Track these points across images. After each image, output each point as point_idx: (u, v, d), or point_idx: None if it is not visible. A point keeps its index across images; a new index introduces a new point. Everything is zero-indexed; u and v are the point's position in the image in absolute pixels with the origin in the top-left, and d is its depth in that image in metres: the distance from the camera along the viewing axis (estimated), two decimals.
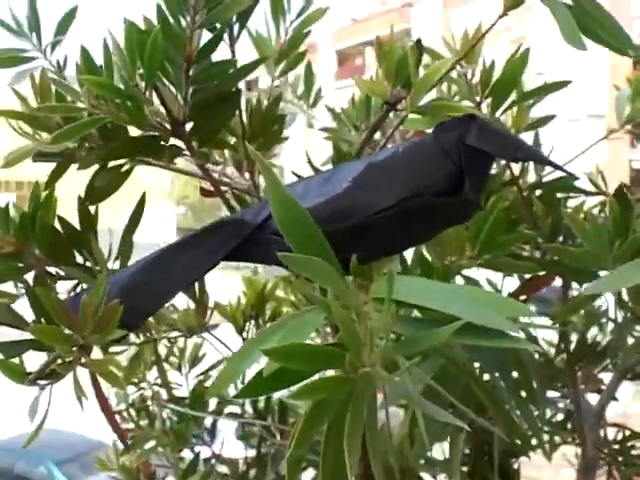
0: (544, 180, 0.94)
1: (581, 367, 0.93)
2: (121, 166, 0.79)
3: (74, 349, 0.57)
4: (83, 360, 0.57)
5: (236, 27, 0.71)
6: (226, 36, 0.71)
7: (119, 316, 0.55)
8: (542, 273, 0.80)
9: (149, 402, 1.17)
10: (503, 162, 0.96)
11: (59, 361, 0.58)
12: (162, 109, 0.65)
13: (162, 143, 0.68)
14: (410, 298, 0.43)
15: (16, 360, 0.58)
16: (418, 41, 0.76)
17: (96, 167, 0.78)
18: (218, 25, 0.64)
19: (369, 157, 0.56)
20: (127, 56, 0.58)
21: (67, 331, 0.56)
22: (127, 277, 0.59)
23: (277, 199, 0.47)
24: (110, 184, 0.81)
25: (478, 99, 0.79)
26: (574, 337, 0.96)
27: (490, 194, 0.94)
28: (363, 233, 0.53)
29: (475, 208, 0.55)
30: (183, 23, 0.60)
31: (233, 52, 0.71)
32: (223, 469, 1.19)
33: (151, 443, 1.19)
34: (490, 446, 1.19)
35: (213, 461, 1.20)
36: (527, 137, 0.93)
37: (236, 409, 1.17)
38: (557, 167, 0.54)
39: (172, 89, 0.64)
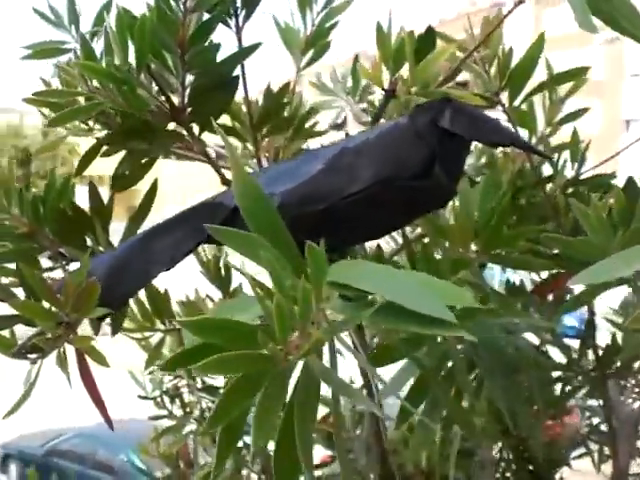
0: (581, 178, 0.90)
1: (613, 373, 0.88)
2: (143, 155, 0.81)
3: (60, 326, 0.58)
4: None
5: (242, 14, 0.72)
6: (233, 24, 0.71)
7: (97, 295, 0.56)
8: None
9: (183, 390, 1.19)
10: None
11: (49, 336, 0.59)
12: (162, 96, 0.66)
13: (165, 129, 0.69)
14: (346, 279, 0.41)
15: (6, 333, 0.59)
16: (428, 29, 0.74)
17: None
18: None
19: (346, 140, 0.55)
20: (118, 41, 0.59)
21: (52, 308, 0.57)
22: (112, 257, 0.61)
23: (240, 184, 0.47)
24: (133, 172, 0.83)
25: (497, 89, 0.76)
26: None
27: (521, 191, 0.91)
28: (333, 217, 0.52)
29: (449, 194, 0.53)
30: (176, 7, 0.61)
31: (239, 39, 0.72)
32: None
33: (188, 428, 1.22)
34: (530, 455, 1.15)
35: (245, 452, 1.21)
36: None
37: None
38: (535, 152, 0.52)
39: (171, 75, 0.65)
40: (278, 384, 0.37)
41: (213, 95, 0.66)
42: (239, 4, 0.71)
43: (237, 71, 0.69)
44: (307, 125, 0.90)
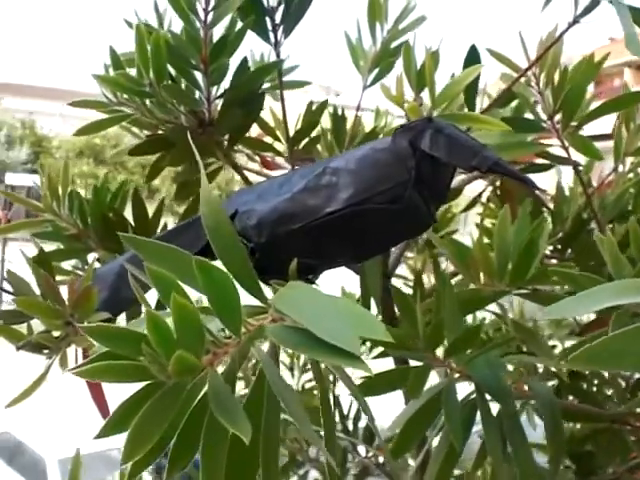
0: None
1: None
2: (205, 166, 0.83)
3: (66, 326, 0.61)
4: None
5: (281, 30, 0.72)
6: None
7: (94, 299, 0.58)
8: None
9: None
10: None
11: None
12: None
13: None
14: (275, 301, 0.40)
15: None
16: (472, 48, 0.71)
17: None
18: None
19: (330, 159, 0.53)
20: (138, 55, 0.61)
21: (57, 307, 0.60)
22: (120, 264, 0.62)
23: (206, 206, 0.46)
24: (191, 183, 0.85)
25: (550, 112, 0.71)
26: None
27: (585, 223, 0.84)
28: (308, 237, 0.50)
29: (427, 220, 0.50)
30: (197, 24, 0.62)
31: (278, 54, 0.72)
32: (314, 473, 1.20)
33: None
34: None
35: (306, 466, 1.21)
36: None
37: None
38: (521, 179, 0.47)
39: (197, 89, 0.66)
40: (166, 399, 0.36)
41: (238, 110, 0.67)
42: (278, 20, 0.71)
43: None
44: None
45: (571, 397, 0.73)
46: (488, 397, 0.56)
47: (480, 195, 1.10)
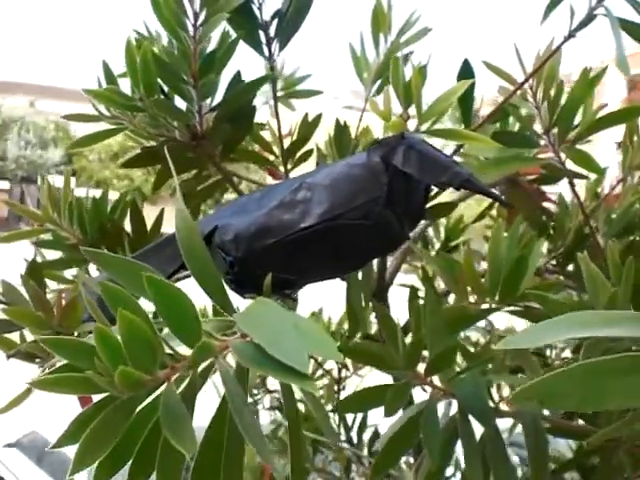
0: None
1: None
2: (202, 176, 0.83)
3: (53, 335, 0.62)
4: None
5: (276, 43, 0.72)
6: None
7: (81, 310, 0.59)
8: None
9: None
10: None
11: None
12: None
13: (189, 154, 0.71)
14: (238, 318, 0.40)
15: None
16: (465, 62, 0.70)
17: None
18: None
19: (308, 173, 0.53)
20: (128, 71, 0.62)
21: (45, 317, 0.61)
22: (104, 277, 0.63)
23: (180, 225, 0.47)
24: (202, 191, 0.85)
25: (547, 127, 0.70)
26: None
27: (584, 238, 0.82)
28: (283, 252, 0.50)
29: (399, 237, 0.49)
30: (186, 38, 0.62)
31: (272, 68, 0.72)
32: None
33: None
34: None
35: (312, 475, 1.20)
36: None
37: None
38: (492, 196, 0.47)
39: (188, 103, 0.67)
40: (118, 413, 0.36)
41: (229, 124, 0.67)
42: (272, 34, 0.71)
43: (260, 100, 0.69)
44: None
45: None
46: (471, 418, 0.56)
47: (491, 206, 1.09)
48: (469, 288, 0.64)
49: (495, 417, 0.56)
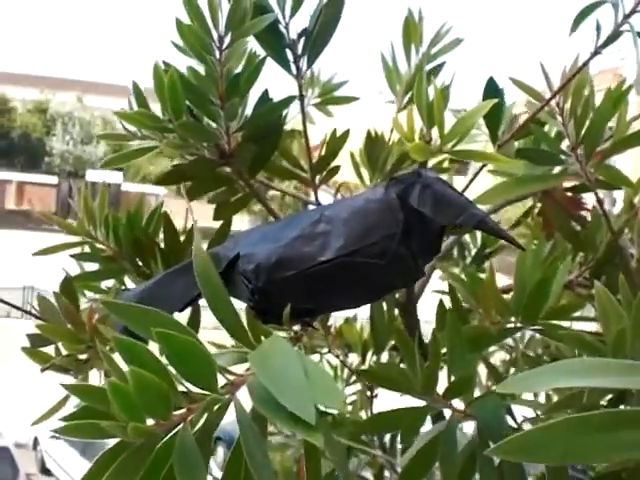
0: None
1: None
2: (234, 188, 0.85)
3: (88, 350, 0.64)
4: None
5: (305, 61, 0.73)
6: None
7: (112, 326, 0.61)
8: None
9: None
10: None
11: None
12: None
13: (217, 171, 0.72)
14: (250, 358, 0.42)
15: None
16: (490, 80, 0.70)
17: None
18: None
19: (326, 206, 0.54)
20: (156, 94, 0.63)
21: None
22: (142, 290, 0.65)
23: (197, 260, 0.48)
24: (233, 203, 0.87)
25: (574, 144, 0.69)
26: None
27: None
28: (302, 284, 0.52)
29: (415, 273, 0.50)
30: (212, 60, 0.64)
31: (300, 86, 0.73)
32: None
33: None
34: None
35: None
36: None
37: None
38: (505, 238, 0.47)
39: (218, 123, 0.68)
40: (135, 457, 0.38)
41: (255, 143, 0.68)
42: (300, 52, 0.72)
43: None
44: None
45: None
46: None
47: (527, 214, 1.08)
48: (492, 307, 0.64)
49: None
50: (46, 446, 7.07)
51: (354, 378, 1.29)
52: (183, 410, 0.40)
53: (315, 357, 1.23)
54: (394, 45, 0.92)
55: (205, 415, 0.42)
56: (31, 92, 28.32)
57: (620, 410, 0.28)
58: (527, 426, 0.62)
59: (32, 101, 28.24)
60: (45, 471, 7.01)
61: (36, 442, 7.33)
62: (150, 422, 0.38)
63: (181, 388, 0.41)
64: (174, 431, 0.40)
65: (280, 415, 0.37)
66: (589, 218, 0.91)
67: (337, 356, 1.21)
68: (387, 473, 1.17)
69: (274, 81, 0.86)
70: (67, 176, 25.08)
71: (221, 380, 0.44)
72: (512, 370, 1.09)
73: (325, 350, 1.20)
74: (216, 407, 0.42)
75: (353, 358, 1.24)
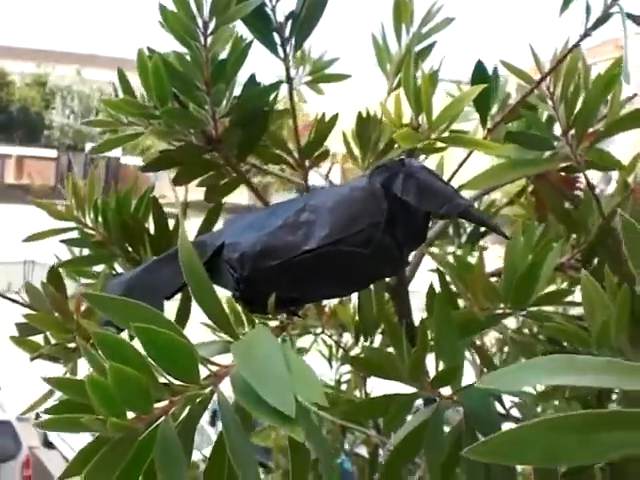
0: None
1: None
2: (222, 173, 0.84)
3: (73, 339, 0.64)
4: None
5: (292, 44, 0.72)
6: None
7: (95, 316, 0.61)
8: None
9: None
10: None
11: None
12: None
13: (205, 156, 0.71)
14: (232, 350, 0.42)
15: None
16: (478, 63, 0.69)
17: None
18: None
19: (310, 195, 0.54)
20: (141, 80, 0.62)
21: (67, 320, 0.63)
22: (130, 278, 0.64)
23: (182, 252, 0.48)
24: (224, 185, 0.86)
25: (565, 128, 0.69)
26: None
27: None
28: (287, 273, 0.51)
29: (399, 263, 0.50)
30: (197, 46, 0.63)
31: (287, 69, 0.72)
32: None
33: None
34: None
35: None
36: None
37: None
38: (491, 227, 0.46)
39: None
40: (115, 451, 0.38)
41: (242, 128, 0.68)
42: (287, 34, 0.71)
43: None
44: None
45: None
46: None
47: (521, 193, 1.07)
48: (480, 293, 0.64)
49: (501, 429, 0.56)
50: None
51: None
52: (165, 403, 0.40)
53: (309, 338, 1.24)
54: (384, 24, 0.91)
55: (187, 408, 0.42)
56: (29, 66, 28.12)
57: (601, 411, 0.28)
58: (515, 412, 0.62)
59: (30, 74, 28.05)
60: (48, 444, 7.07)
61: (38, 416, 7.40)
62: (131, 415, 0.39)
63: (163, 380, 0.41)
64: (155, 424, 0.40)
65: (261, 408, 0.37)
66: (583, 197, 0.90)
67: (330, 336, 1.22)
68: (382, 451, 1.18)
69: (262, 60, 0.85)
70: (66, 149, 24.99)
71: (204, 371, 0.44)
72: (506, 349, 1.09)
73: (319, 330, 1.20)
74: (198, 400, 0.42)
75: (348, 338, 1.25)
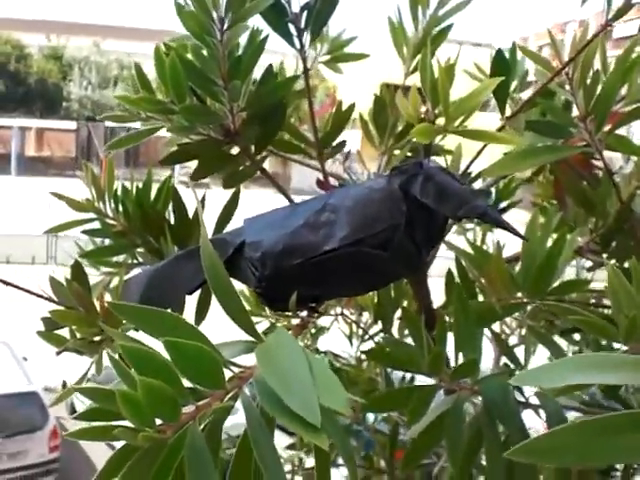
0: None
1: None
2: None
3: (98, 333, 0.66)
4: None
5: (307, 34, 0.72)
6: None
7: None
8: None
9: None
10: None
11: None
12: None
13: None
14: (257, 357, 0.43)
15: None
16: (498, 52, 0.68)
17: None
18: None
19: (331, 193, 0.54)
20: (158, 77, 0.63)
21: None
22: (153, 271, 0.65)
23: (204, 253, 0.48)
24: (242, 171, 0.86)
25: (583, 114, 0.68)
26: None
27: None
28: (308, 271, 0.52)
29: (417, 262, 0.50)
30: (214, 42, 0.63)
31: (304, 59, 0.72)
32: None
33: None
34: None
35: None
36: None
37: None
38: (508, 229, 0.47)
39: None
40: (145, 458, 0.39)
41: (260, 121, 0.68)
42: (303, 25, 0.71)
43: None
44: None
45: None
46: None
47: (539, 172, 1.07)
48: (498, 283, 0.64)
49: (522, 420, 0.57)
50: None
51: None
52: (191, 408, 0.41)
53: (329, 318, 1.25)
54: (400, 7, 0.90)
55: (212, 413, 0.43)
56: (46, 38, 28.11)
57: (636, 412, 0.28)
58: (535, 400, 0.63)
59: (48, 47, 28.03)
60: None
61: (65, 386, 7.54)
62: (158, 422, 0.40)
63: (187, 383, 0.42)
64: (182, 429, 0.41)
65: (285, 414, 0.38)
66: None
67: (350, 316, 1.23)
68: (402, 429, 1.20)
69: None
70: (86, 120, 25.03)
71: (227, 372, 0.45)
72: (523, 331, 1.10)
73: (339, 311, 1.21)
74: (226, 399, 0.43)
75: (367, 316, 1.26)
